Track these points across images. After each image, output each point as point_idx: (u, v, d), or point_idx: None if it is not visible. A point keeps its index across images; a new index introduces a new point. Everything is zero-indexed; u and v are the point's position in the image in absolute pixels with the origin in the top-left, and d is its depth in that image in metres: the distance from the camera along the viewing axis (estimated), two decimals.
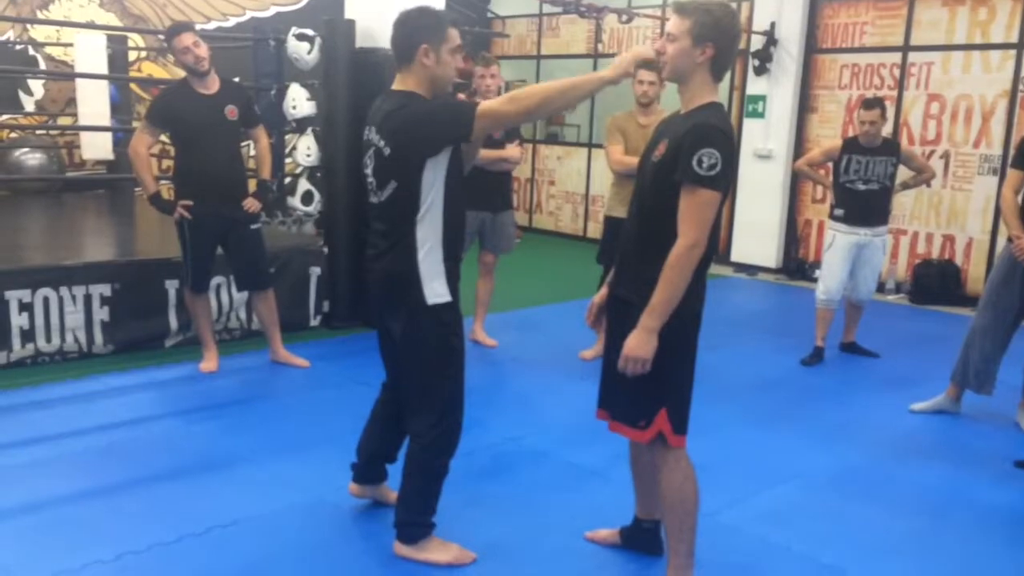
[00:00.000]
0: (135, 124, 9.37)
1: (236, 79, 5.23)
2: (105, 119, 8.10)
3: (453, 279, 2.80)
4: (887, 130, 7.51)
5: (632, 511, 3.05)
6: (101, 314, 5.00)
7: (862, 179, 5.43)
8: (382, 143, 2.69)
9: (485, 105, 2.66)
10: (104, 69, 8.12)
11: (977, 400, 4.59)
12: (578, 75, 2.70)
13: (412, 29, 2.71)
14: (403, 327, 2.79)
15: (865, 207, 5.45)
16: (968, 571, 3.07)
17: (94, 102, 8.04)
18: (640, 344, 2.46)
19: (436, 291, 2.73)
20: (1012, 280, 4.33)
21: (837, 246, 5.53)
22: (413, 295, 2.72)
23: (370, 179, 2.78)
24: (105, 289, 5.00)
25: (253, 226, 4.88)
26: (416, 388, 2.85)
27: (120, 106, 8.85)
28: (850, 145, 5.51)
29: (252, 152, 5.22)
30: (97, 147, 8.48)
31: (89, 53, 8.09)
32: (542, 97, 2.64)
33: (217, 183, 4.65)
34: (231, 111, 4.68)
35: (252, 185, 5.01)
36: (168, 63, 10.01)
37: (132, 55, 9.59)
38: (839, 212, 5.53)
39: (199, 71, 4.57)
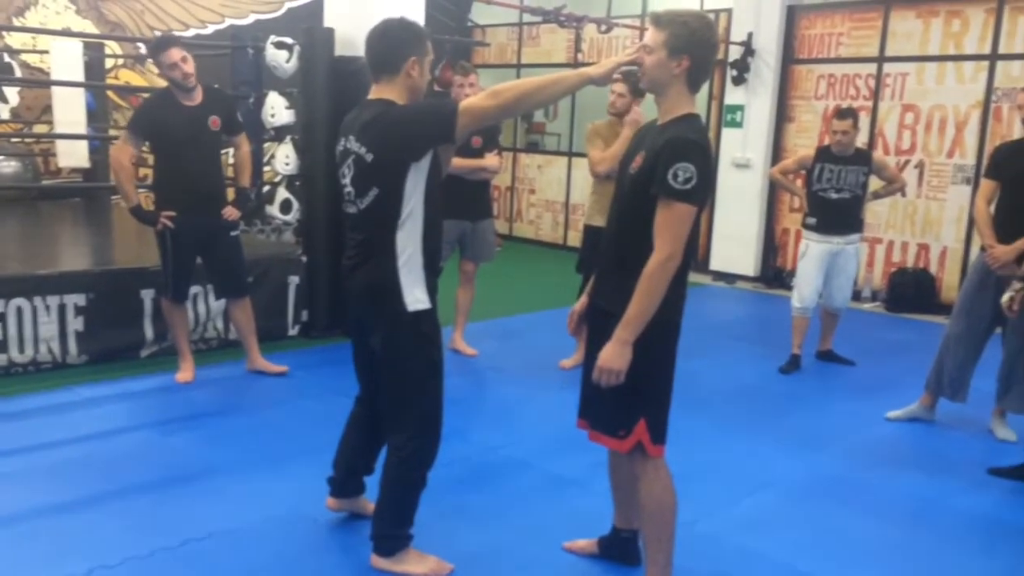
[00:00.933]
0: (112, 132, 9.33)
1: (217, 86, 5.21)
2: (81, 127, 8.04)
3: (432, 289, 2.79)
4: (862, 140, 7.60)
5: (610, 520, 3.05)
6: (76, 324, 4.95)
7: (834, 188, 5.49)
8: (363, 150, 2.68)
9: (466, 102, 2.65)
10: (80, 76, 8.05)
11: (951, 408, 4.64)
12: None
13: (399, 41, 2.72)
14: (383, 338, 2.78)
15: (837, 216, 5.51)
16: None
17: (70, 110, 7.97)
18: (614, 356, 2.47)
19: (417, 297, 2.72)
20: (985, 289, 4.38)
21: (811, 255, 5.58)
22: (393, 304, 2.71)
23: (348, 189, 2.77)
24: (80, 299, 4.95)
25: (232, 233, 4.87)
26: (396, 400, 2.84)
27: (97, 113, 8.77)
28: (823, 154, 5.57)
29: (231, 160, 5.17)
30: (73, 155, 8.40)
31: (65, 60, 8.01)
32: (522, 91, 2.64)
33: (198, 192, 4.63)
34: (214, 121, 4.67)
35: (232, 194, 4.98)
36: (146, 70, 9.95)
37: (109, 62, 9.52)
38: (812, 221, 5.59)
39: (186, 87, 4.56)
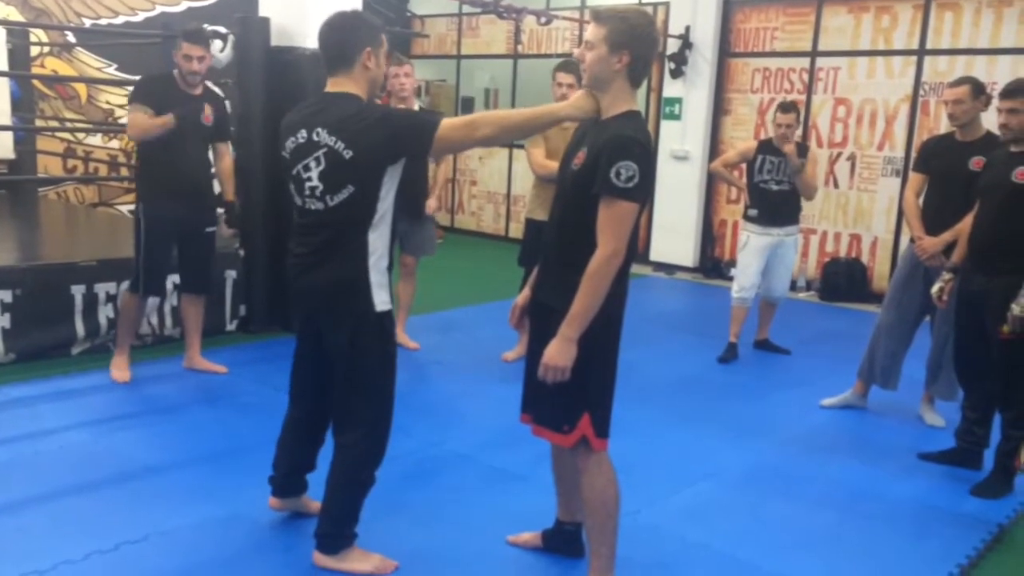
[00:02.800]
0: (37, 122, 9.05)
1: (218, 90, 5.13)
2: (5, 117, 7.78)
3: (390, 287, 2.79)
4: (797, 133, 7.74)
5: (554, 514, 3.06)
6: (2, 321, 4.78)
7: (775, 179, 5.59)
8: (340, 145, 2.60)
9: (447, 126, 2.62)
10: (4, 65, 7.78)
11: (883, 395, 4.77)
12: (535, 106, 2.77)
13: (354, 33, 2.69)
14: (348, 337, 2.74)
15: (778, 207, 5.62)
16: (876, 562, 3.18)
17: None
18: (559, 353, 2.47)
19: (382, 299, 2.73)
20: (915, 279, 4.50)
21: (751, 246, 5.67)
22: (361, 304, 2.69)
23: (314, 184, 2.66)
24: (6, 295, 4.79)
25: (208, 230, 4.83)
26: (354, 398, 2.80)
27: (21, 103, 8.49)
28: (764, 147, 5.67)
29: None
30: None
31: None
32: (501, 128, 2.69)
33: (184, 183, 4.57)
34: (207, 116, 4.64)
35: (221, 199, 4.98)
36: (74, 59, 9.64)
37: (35, 50, 9.21)
38: (753, 212, 5.68)
39: (189, 82, 4.56)
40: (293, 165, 2.72)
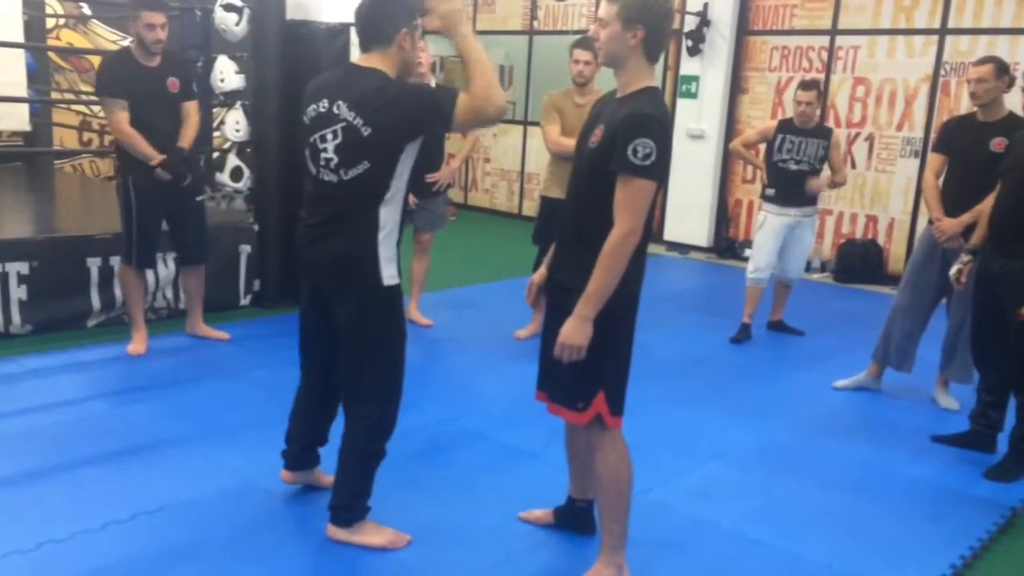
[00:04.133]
0: (53, 95, 9.06)
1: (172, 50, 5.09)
2: (21, 89, 7.79)
3: (398, 261, 2.80)
4: (816, 112, 7.67)
5: (566, 491, 3.08)
6: (19, 293, 4.82)
7: (794, 159, 5.54)
8: (359, 121, 2.60)
9: (465, 101, 2.59)
10: (20, 37, 7.78)
11: (897, 377, 4.75)
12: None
13: (392, 12, 2.68)
14: (356, 310, 2.75)
15: (796, 187, 5.57)
16: (887, 543, 3.18)
17: (9, 71, 7.70)
18: (575, 332, 2.47)
19: (390, 273, 2.74)
20: (932, 261, 4.47)
21: (768, 226, 5.63)
22: (369, 277, 2.70)
23: (329, 156, 2.66)
24: (23, 267, 4.82)
25: (198, 199, 4.84)
26: (363, 370, 2.82)
27: (37, 75, 8.50)
28: (785, 126, 5.62)
29: None
30: (13, 118, 8.14)
31: (3, 19, 7.72)
32: (496, 84, 2.62)
33: (162, 153, 4.55)
34: (172, 83, 4.64)
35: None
36: (89, 31, 9.64)
37: (50, 22, 9.21)
38: (771, 192, 5.63)
39: (151, 51, 4.53)
40: (311, 134, 2.72)
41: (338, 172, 2.66)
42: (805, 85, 5.53)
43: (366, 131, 2.60)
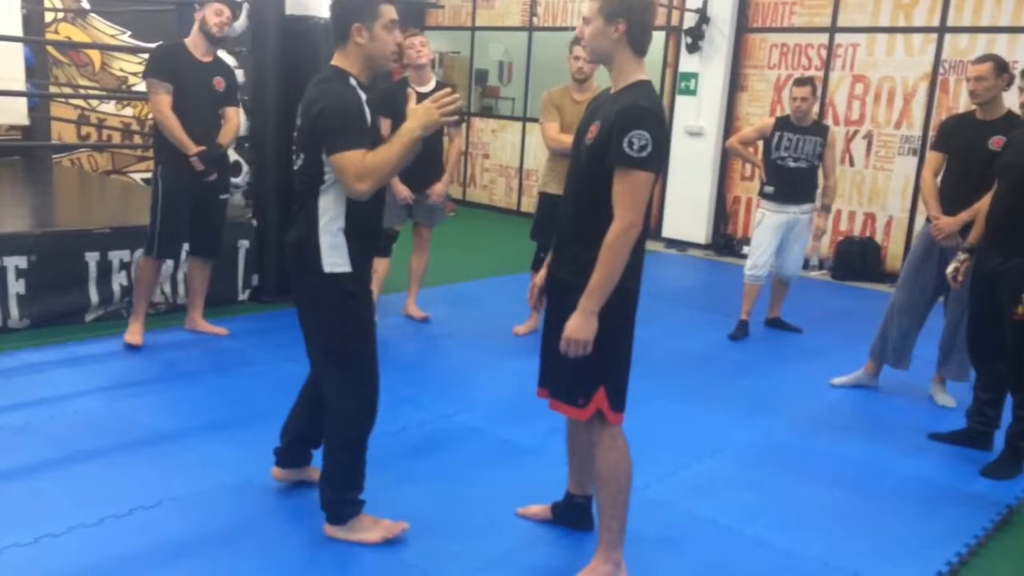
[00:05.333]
0: (51, 89, 9.05)
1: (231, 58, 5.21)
2: (20, 83, 7.78)
3: (358, 254, 2.76)
4: (814, 110, 7.68)
5: (563, 487, 3.08)
6: (17, 287, 4.81)
7: (792, 156, 5.55)
8: (300, 112, 2.74)
9: (348, 158, 2.59)
10: (18, 31, 7.76)
11: (895, 375, 4.76)
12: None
13: (344, 8, 2.71)
14: (307, 296, 2.82)
15: (794, 184, 5.59)
16: (884, 540, 3.18)
17: (8, 65, 7.69)
18: (580, 326, 2.47)
19: (333, 260, 2.72)
20: (930, 259, 4.47)
21: (767, 224, 5.64)
22: (311, 263, 2.73)
23: (293, 147, 2.83)
24: (21, 261, 4.81)
25: (223, 196, 4.92)
26: (326, 359, 2.84)
27: (36, 69, 8.48)
28: (782, 123, 5.63)
29: None
30: (11, 112, 8.12)
31: (2, 13, 7.71)
32: (379, 181, 2.65)
33: (199, 146, 4.61)
34: (219, 82, 4.74)
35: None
36: (87, 25, 9.62)
37: (49, 16, 9.19)
38: (769, 190, 5.64)
39: (214, 37, 4.66)
40: (292, 131, 2.86)
41: (295, 162, 2.79)
42: (800, 81, 5.56)
43: (299, 121, 2.74)
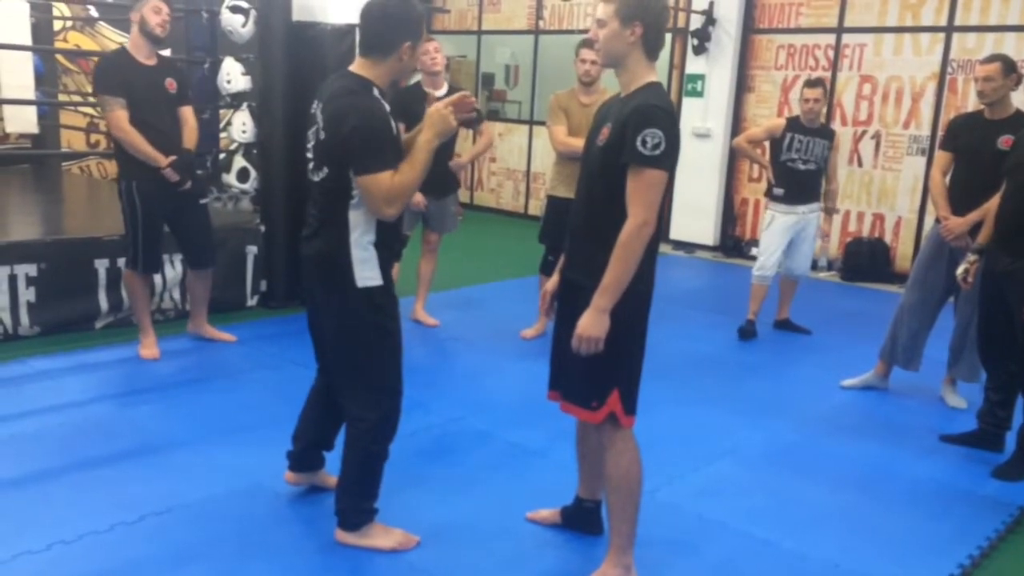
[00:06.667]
0: (60, 97, 9.10)
1: (168, 52, 5.10)
2: (29, 91, 7.82)
3: (386, 264, 2.77)
4: (823, 110, 7.66)
5: (573, 490, 3.08)
6: (27, 295, 4.84)
7: (802, 159, 5.57)
8: (322, 123, 2.66)
9: (384, 180, 2.59)
10: (28, 40, 7.81)
11: (905, 376, 4.73)
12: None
13: (399, 23, 2.66)
14: (336, 310, 2.77)
15: (804, 186, 5.61)
16: (894, 542, 3.17)
17: (18, 74, 7.74)
18: (593, 324, 2.47)
19: (365, 275, 2.70)
20: (939, 260, 4.45)
21: (776, 225, 5.65)
22: (343, 277, 2.70)
23: (309, 155, 2.75)
24: (31, 269, 4.84)
25: (201, 201, 4.81)
26: (352, 371, 2.82)
27: (45, 78, 8.53)
28: (793, 125, 5.62)
29: None
30: (21, 120, 8.18)
31: (11, 22, 7.76)
32: (406, 197, 2.67)
33: (165, 153, 4.50)
34: (170, 83, 4.61)
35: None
36: (96, 33, 9.67)
37: (57, 24, 9.24)
38: (779, 192, 5.64)
39: (158, 37, 4.52)
40: (302, 136, 2.79)
41: (314, 173, 2.73)
42: (811, 83, 5.57)
43: (323, 135, 2.66)
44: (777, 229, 5.64)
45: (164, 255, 5.01)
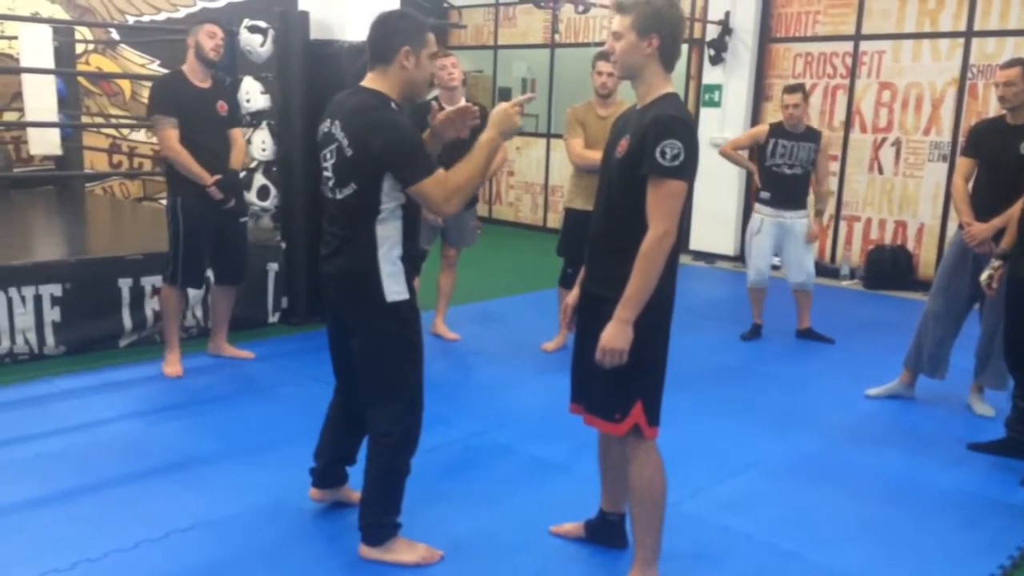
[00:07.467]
0: (83, 119, 9.21)
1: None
2: (52, 114, 7.92)
3: (410, 278, 2.78)
4: (840, 118, 7.67)
5: (596, 504, 3.06)
6: (52, 315, 4.89)
7: (787, 164, 5.62)
8: (346, 141, 2.65)
9: (436, 182, 2.62)
10: (50, 62, 7.92)
11: (930, 384, 4.68)
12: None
13: (394, 30, 2.68)
14: (362, 325, 2.78)
15: (790, 191, 5.68)
16: (923, 553, 3.13)
17: (41, 96, 7.85)
18: (617, 335, 2.47)
19: (394, 289, 2.72)
20: (963, 266, 4.41)
21: (764, 230, 5.75)
22: (372, 293, 2.70)
23: (328, 174, 2.75)
24: (56, 289, 4.89)
25: (242, 220, 4.92)
26: (376, 386, 2.82)
27: (68, 100, 8.64)
28: (776, 130, 5.68)
29: None
30: (45, 142, 8.28)
31: (35, 46, 7.88)
32: (467, 193, 2.71)
33: (213, 172, 4.62)
34: (222, 106, 4.74)
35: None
36: (118, 56, 9.80)
37: (80, 47, 9.38)
38: (765, 196, 5.75)
39: (209, 61, 4.64)
40: (319, 152, 2.78)
41: (335, 191, 2.72)
42: (790, 88, 5.65)
43: (350, 152, 2.64)
44: (765, 234, 5.74)
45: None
